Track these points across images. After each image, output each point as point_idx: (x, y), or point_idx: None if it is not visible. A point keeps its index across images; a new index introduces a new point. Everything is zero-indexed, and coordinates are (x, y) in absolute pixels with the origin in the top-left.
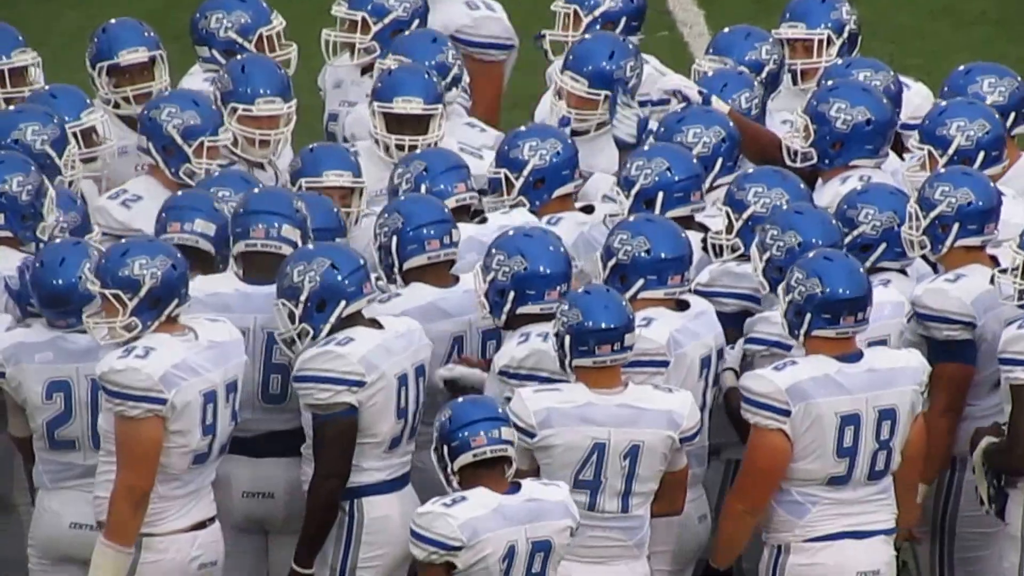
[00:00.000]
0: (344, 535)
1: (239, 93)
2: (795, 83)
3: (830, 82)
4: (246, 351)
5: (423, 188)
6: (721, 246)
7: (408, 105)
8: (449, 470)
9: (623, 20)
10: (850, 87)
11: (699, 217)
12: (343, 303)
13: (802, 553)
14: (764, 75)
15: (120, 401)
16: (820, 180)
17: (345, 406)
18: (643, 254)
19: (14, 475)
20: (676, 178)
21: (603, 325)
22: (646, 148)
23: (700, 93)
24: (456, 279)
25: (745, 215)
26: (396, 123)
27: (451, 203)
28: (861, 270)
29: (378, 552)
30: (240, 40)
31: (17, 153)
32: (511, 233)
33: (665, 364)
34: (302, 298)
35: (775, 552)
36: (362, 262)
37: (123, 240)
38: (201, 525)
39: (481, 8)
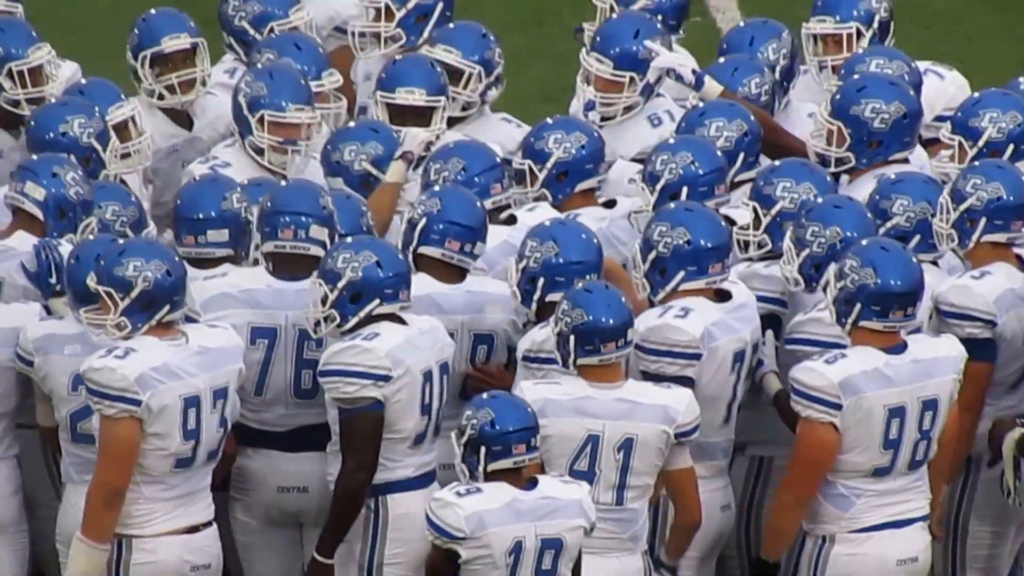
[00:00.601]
0: (370, 532)
1: (270, 102)
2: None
3: (856, 78)
4: (277, 347)
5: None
6: (747, 242)
7: (411, 96)
8: (481, 468)
9: (660, 17)
10: (878, 83)
11: (723, 210)
12: (377, 301)
13: (847, 544)
14: (777, 73)
15: (97, 400)
16: (848, 177)
17: (371, 400)
18: (683, 244)
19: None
20: (701, 171)
21: (608, 323)
22: (670, 141)
23: (693, 72)
24: (463, 278)
25: (774, 211)
26: (398, 114)
27: (487, 204)
28: (915, 262)
29: (404, 549)
30: (252, 31)
31: (57, 154)
32: (547, 223)
33: (698, 357)
34: (339, 284)
35: (819, 542)
36: (406, 268)
37: (122, 240)
38: (194, 529)
39: None
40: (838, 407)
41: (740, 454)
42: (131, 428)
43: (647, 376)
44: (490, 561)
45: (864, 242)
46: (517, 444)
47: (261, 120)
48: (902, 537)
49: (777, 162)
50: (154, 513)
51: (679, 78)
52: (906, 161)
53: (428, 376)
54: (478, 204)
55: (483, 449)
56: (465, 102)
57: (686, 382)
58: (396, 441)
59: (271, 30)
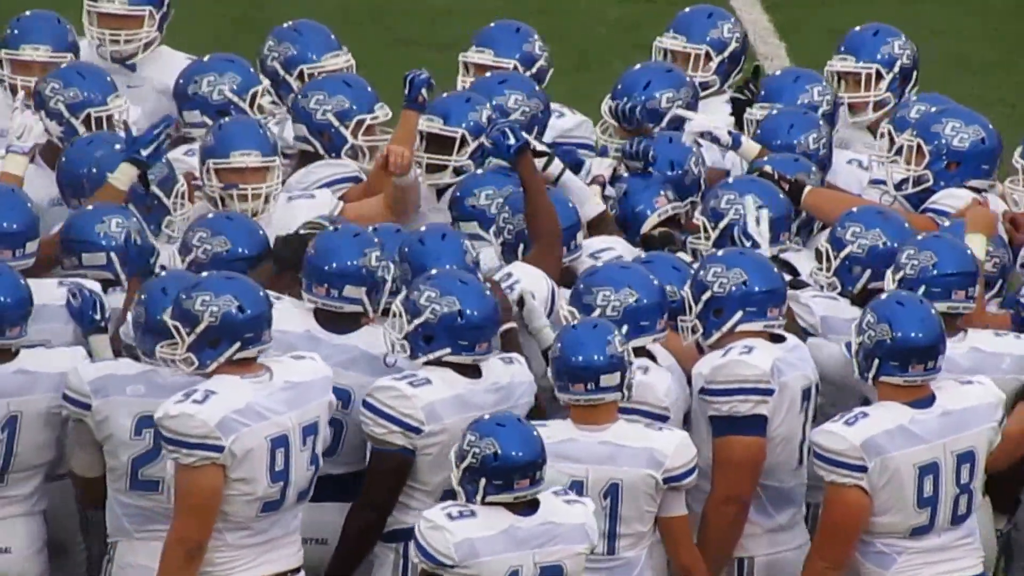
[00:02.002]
0: None
1: (214, 149)
2: (832, 121)
3: (933, 108)
4: None
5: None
6: (820, 285)
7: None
8: (479, 497)
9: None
10: (956, 109)
11: (784, 255)
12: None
13: None
14: (819, 117)
15: (174, 448)
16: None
17: (398, 447)
18: (741, 285)
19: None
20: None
21: (587, 360)
22: (732, 182)
23: (729, 133)
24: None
25: (843, 253)
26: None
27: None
28: (934, 315)
29: None
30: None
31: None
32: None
33: (770, 392)
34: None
35: None
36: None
37: (196, 282)
38: None
39: None
40: (863, 469)
41: None
42: (213, 476)
43: (717, 421)
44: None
45: (882, 296)
46: (520, 479)
47: (208, 169)
48: None
49: (855, 208)
50: (237, 560)
51: (715, 140)
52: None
53: None
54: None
55: (483, 480)
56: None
57: (760, 422)
58: (422, 492)
59: (301, 74)
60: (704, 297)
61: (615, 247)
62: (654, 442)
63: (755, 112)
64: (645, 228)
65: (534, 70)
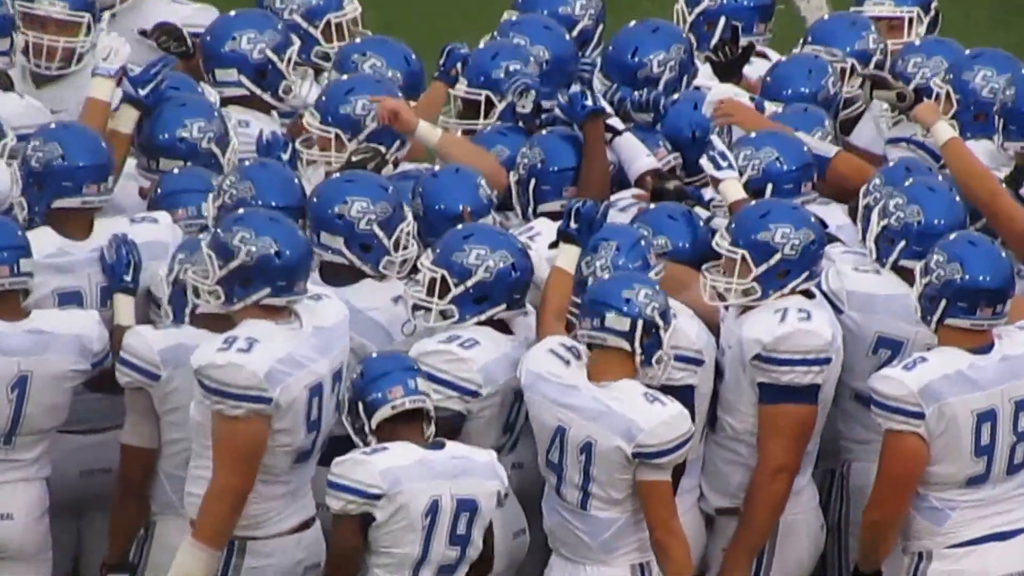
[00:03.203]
0: None
1: None
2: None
3: (968, 51)
4: None
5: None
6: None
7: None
8: (366, 428)
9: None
10: (995, 56)
11: (811, 207)
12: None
13: (945, 560)
14: (872, 65)
15: (219, 399)
16: None
17: (452, 412)
18: (808, 246)
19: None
20: (785, 168)
21: (604, 293)
22: (753, 136)
23: (752, 99)
24: None
25: (882, 223)
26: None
27: None
28: (1005, 258)
29: None
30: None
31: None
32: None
33: (829, 362)
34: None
35: (915, 559)
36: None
37: (239, 216)
38: (304, 525)
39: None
40: (921, 416)
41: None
42: (259, 426)
43: (771, 389)
44: (407, 522)
45: (952, 236)
46: (391, 388)
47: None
48: (1006, 550)
49: (892, 160)
50: (270, 512)
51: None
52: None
53: (520, 394)
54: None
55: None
56: None
57: (815, 391)
58: None
59: (327, 24)
60: (773, 259)
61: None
62: (637, 414)
63: (806, 50)
64: (633, 175)
65: (575, 32)
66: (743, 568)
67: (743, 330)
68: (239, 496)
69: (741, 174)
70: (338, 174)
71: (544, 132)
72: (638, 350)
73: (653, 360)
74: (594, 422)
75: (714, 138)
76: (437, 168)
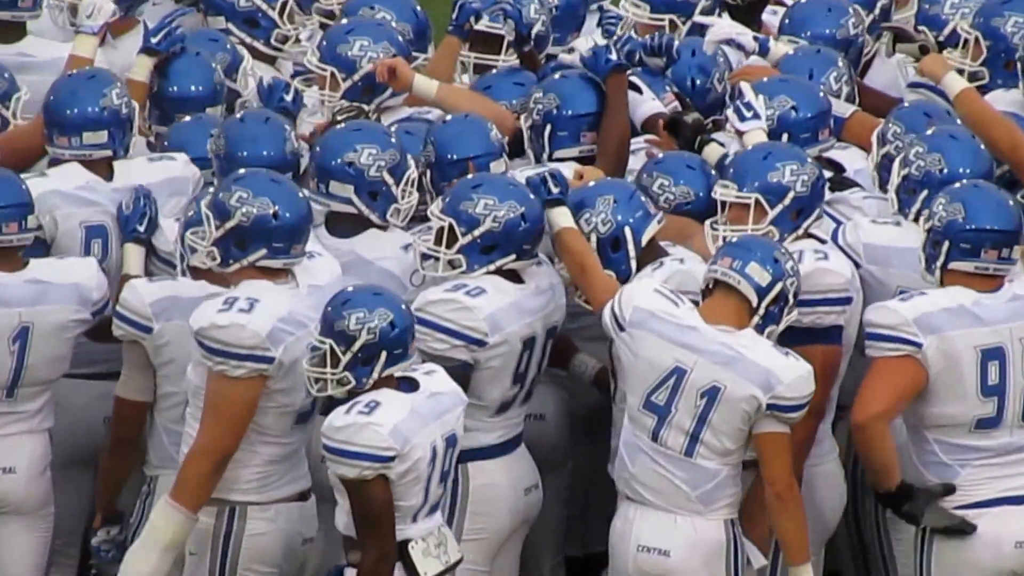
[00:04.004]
0: (448, 504)
1: None
2: (887, 17)
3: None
4: None
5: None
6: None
7: None
8: (372, 377)
9: None
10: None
11: (829, 153)
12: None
13: None
14: (878, 10)
15: (222, 360)
16: None
17: (459, 362)
18: (816, 181)
19: None
20: (801, 115)
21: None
22: (766, 82)
23: (755, 39)
24: None
25: (882, 151)
26: None
27: None
28: (1011, 204)
29: (485, 523)
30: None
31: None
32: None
33: (850, 301)
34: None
35: None
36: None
37: (238, 176)
38: (302, 496)
39: None
40: (917, 344)
41: (840, 416)
42: (255, 388)
43: (793, 332)
44: (415, 475)
45: (957, 183)
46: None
47: None
48: (1022, 514)
49: (908, 103)
50: (270, 476)
51: (740, 47)
52: None
53: (530, 343)
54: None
55: (384, 354)
56: None
57: (839, 331)
58: (477, 408)
59: None
60: (788, 198)
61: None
62: (775, 364)
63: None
64: (639, 119)
65: None
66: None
67: None
68: (222, 457)
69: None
70: (340, 126)
71: (558, 76)
72: (761, 311)
73: (765, 331)
74: (725, 368)
75: (744, 86)
76: (448, 116)
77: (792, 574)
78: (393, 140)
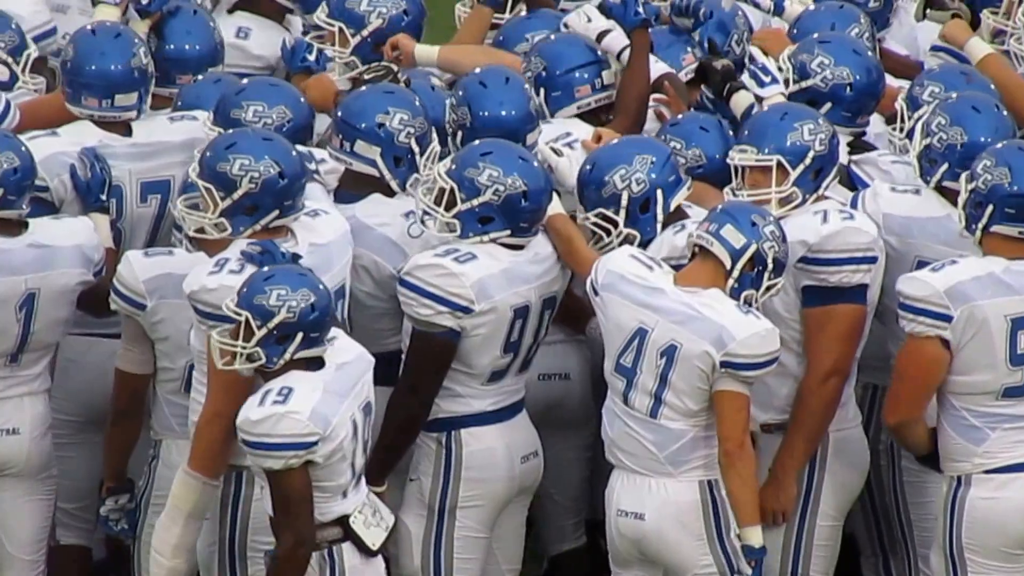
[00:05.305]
0: (441, 471)
1: None
2: None
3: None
4: None
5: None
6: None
7: None
8: (283, 358)
9: None
10: None
11: None
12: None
13: (983, 486)
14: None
15: (214, 323)
16: None
17: (445, 328)
18: (831, 141)
19: None
20: (853, 94)
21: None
22: (803, 43)
23: None
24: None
25: (916, 116)
26: None
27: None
28: None
29: (480, 490)
30: None
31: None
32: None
33: (875, 260)
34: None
35: (953, 484)
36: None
37: (232, 142)
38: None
39: None
40: (948, 319)
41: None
42: None
43: (818, 291)
44: (340, 454)
45: (1000, 144)
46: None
47: None
48: None
49: (936, 66)
50: None
51: (756, 5)
52: None
53: (522, 312)
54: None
55: (300, 335)
56: None
57: (864, 290)
58: (466, 375)
59: None
60: (808, 158)
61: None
62: (729, 321)
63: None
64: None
65: None
66: (792, 480)
67: (792, 236)
68: (232, 421)
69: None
70: (372, 86)
71: (541, 39)
72: (735, 273)
73: (741, 296)
74: (681, 326)
75: (754, 50)
76: (484, 74)
77: (742, 535)
78: (423, 109)
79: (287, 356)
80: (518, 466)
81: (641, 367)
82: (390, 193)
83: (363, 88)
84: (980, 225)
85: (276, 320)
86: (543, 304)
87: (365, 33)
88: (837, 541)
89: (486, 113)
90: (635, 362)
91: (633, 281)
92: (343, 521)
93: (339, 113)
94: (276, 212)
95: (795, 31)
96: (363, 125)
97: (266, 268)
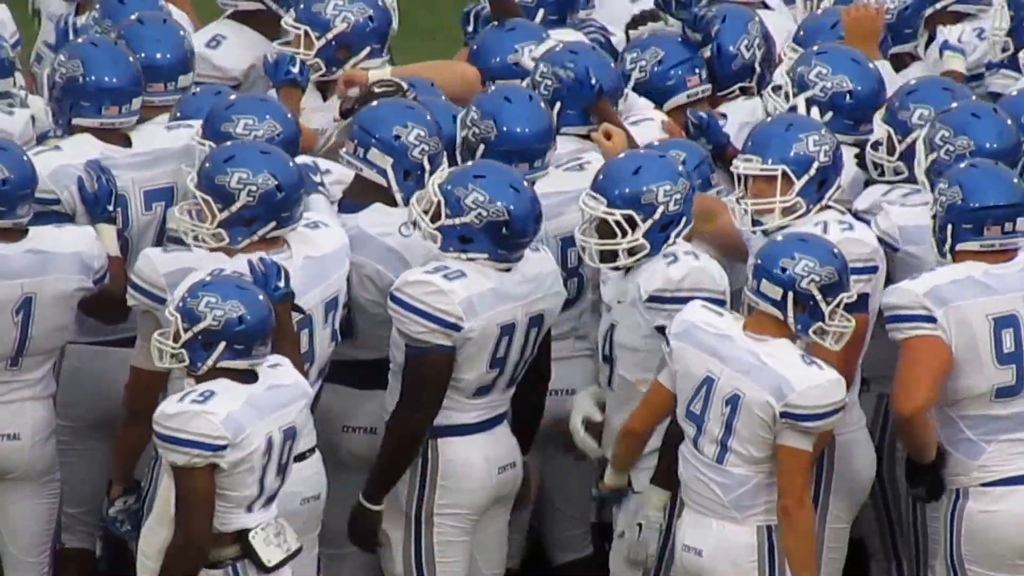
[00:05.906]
0: (418, 479)
1: None
2: None
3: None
4: None
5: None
6: (883, 166)
7: None
8: (207, 364)
9: None
10: None
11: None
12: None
13: (981, 499)
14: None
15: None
16: None
17: (438, 345)
18: (835, 152)
19: None
20: (854, 102)
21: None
22: (828, 52)
23: None
24: None
25: (909, 139)
26: None
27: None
28: (1013, 179)
29: (456, 499)
30: None
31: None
32: None
33: (876, 270)
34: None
35: (952, 497)
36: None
37: (230, 154)
38: (300, 457)
39: None
40: (932, 320)
41: (864, 390)
42: None
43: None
44: (248, 466)
45: (960, 164)
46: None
47: None
48: None
49: (914, 81)
50: None
51: (764, 5)
52: None
53: (508, 330)
54: None
55: (223, 344)
56: None
57: (866, 299)
58: (453, 389)
59: None
60: (812, 169)
61: (653, 118)
62: (791, 372)
63: (788, 52)
64: (669, 107)
65: None
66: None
67: None
68: None
69: (807, 88)
70: (380, 100)
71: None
72: (790, 319)
73: (810, 331)
74: (745, 375)
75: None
76: (508, 91)
77: None
78: (439, 130)
79: (210, 363)
80: (495, 476)
81: (708, 415)
82: (394, 203)
83: (384, 100)
84: (947, 246)
85: (201, 325)
86: (529, 322)
87: (330, 36)
88: (845, 544)
89: (513, 129)
90: (703, 410)
91: (704, 328)
92: (242, 534)
93: (357, 119)
94: (273, 224)
95: (801, 33)
96: (379, 134)
97: (208, 276)
